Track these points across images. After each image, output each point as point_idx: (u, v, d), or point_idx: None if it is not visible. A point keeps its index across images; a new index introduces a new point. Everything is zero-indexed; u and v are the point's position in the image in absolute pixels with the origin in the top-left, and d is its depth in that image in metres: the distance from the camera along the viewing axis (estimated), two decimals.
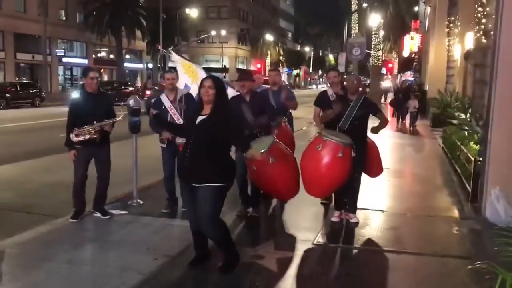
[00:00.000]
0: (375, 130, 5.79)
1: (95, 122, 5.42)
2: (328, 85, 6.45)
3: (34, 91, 29.10)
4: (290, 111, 6.91)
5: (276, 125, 6.11)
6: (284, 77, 67.65)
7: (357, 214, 5.73)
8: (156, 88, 32.34)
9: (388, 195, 7.34)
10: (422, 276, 4.32)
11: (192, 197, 4.02)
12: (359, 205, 5.79)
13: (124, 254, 4.59)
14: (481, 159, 6.35)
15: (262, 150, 5.08)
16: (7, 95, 26.63)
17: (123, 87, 34.30)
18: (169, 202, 6.08)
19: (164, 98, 5.87)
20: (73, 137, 5.41)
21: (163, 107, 5.78)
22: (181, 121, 5.64)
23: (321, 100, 6.11)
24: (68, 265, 4.34)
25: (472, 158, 6.82)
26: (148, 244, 4.83)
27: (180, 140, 5.33)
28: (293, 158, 5.62)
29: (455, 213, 6.30)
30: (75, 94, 5.75)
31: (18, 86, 28.46)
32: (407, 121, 17.42)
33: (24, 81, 33.75)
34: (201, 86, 4.01)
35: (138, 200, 6.32)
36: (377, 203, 6.54)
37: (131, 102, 6.16)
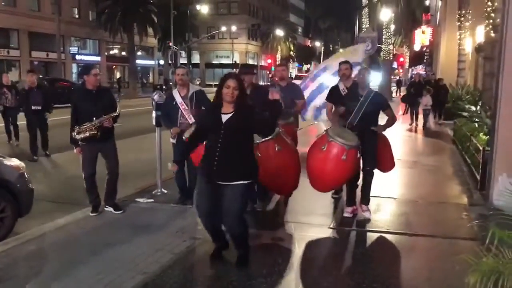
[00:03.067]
0: (381, 129, 5.63)
1: (94, 118, 5.47)
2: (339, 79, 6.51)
3: None
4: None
5: (285, 123, 6.06)
6: (295, 72, 67.65)
7: (370, 202, 5.94)
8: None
9: (400, 184, 7.63)
10: (433, 255, 4.65)
11: (215, 196, 4.00)
12: (371, 193, 6.06)
13: (155, 237, 4.97)
14: (489, 148, 6.62)
15: (269, 137, 5.02)
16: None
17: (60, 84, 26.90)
18: (180, 196, 6.18)
19: (175, 93, 5.96)
20: (75, 135, 5.48)
21: (174, 103, 5.87)
22: (191, 118, 5.71)
23: (333, 95, 6.28)
24: (106, 246, 4.70)
25: (481, 148, 7.10)
26: (176, 228, 5.21)
27: (186, 135, 5.26)
28: (296, 152, 5.61)
29: (465, 200, 6.58)
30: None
31: None
32: (419, 120, 15.62)
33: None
34: (224, 86, 3.92)
35: (163, 190, 6.69)
36: (389, 191, 6.85)
37: (155, 97, 6.49)
